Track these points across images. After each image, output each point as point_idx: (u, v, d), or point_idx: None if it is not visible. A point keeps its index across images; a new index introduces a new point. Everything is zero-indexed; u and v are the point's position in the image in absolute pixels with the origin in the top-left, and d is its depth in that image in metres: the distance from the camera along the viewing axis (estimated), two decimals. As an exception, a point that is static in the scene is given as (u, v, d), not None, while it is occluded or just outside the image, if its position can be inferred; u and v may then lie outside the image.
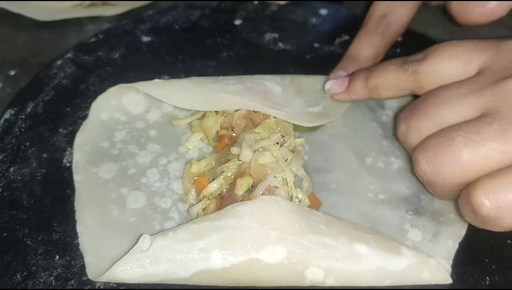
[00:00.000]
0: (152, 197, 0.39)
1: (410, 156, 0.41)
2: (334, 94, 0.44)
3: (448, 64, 0.37)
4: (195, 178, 0.40)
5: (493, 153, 0.31)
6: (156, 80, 0.44)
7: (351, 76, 0.43)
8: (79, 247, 0.36)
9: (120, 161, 0.41)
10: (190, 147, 0.42)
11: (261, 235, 0.34)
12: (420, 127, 0.36)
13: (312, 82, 0.47)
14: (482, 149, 0.31)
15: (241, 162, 0.38)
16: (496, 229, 0.32)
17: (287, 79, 0.46)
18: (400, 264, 0.34)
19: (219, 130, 0.41)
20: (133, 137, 0.43)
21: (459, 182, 0.33)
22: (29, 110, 0.45)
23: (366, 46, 0.45)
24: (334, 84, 0.43)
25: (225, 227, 0.34)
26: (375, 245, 0.35)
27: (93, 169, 0.40)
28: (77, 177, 0.40)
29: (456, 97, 0.34)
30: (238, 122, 0.41)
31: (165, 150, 0.42)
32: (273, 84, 0.44)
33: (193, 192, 0.39)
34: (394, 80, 0.39)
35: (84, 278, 0.34)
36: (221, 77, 0.45)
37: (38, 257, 0.35)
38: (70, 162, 0.41)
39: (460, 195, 0.34)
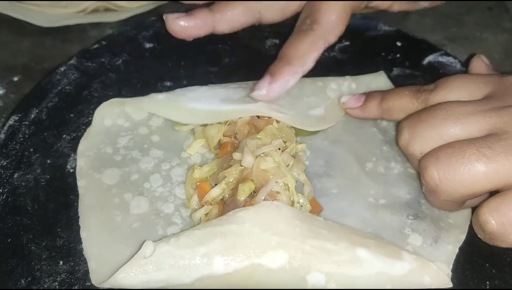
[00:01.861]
0: (155, 203, 0.39)
1: (410, 162, 0.41)
2: (349, 108, 0.45)
3: (455, 94, 0.39)
4: (197, 184, 0.40)
5: (502, 168, 0.33)
6: (159, 96, 0.44)
7: (367, 95, 0.45)
8: (83, 253, 0.36)
9: (123, 167, 0.41)
10: (192, 153, 0.43)
11: (263, 240, 0.34)
12: (424, 137, 0.37)
13: (313, 83, 0.47)
14: (493, 164, 0.33)
15: (243, 168, 0.38)
16: (504, 245, 0.34)
17: None
18: (401, 268, 0.35)
19: (221, 138, 0.42)
20: (136, 143, 0.43)
21: (465, 193, 0.35)
22: (32, 116, 0.45)
23: (295, 47, 0.45)
24: (351, 99, 0.45)
25: (227, 232, 0.34)
26: (376, 250, 0.35)
27: (97, 175, 0.41)
28: (80, 183, 0.40)
29: (464, 114, 0.36)
30: (241, 128, 0.41)
31: (168, 155, 0.43)
32: None
33: (195, 197, 0.39)
34: (406, 105, 0.41)
35: (88, 284, 0.35)
36: (222, 85, 0.45)
37: (42, 263, 0.36)
38: (74, 168, 0.41)
39: (473, 215, 0.36)
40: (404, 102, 0.41)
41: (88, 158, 0.42)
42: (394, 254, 0.35)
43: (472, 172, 0.33)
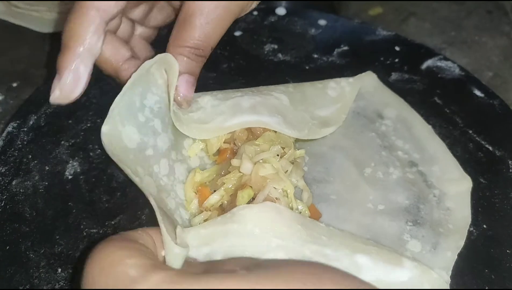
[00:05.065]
0: (161, 191, 0.38)
1: (410, 166, 0.39)
2: None
3: None
4: (198, 188, 0.40)
5: None
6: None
7: None
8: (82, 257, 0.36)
9: (143, 133, 0.38)
10: (192, 156, 0.43)
11: (263, 242, 0.34)
12: None
13: (314, 86, 0.47)
14: None
15: (241, 174, 0.38)
16: None
17: (290, 86, 0.46)
18: (400, 276, 0.34)
19: (221, 146, 0.42)
20: (161, 110, 0.39)
21: None
22: (31, 122, 0.45)
23: None
24: None
25: (229, 232, 0.34)
26: (376, 256, 0.35)
27: (120, 126, 0.36)
28: (104, 129, 0.36)
29: None
30: (240, 134, 0.41)
31: (176, 145, 0.40)
32: (279, 94, 0.44)
33: (195, 202, 0.39)
34: None
35: (87, 291, 0.35)
36: (225, 93, 0.44)
37: (41, 270, 0.36)
38: (72, 175, 0.41)
39: None
40: None
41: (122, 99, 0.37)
42: (395, 261, 0.35)
43: None
